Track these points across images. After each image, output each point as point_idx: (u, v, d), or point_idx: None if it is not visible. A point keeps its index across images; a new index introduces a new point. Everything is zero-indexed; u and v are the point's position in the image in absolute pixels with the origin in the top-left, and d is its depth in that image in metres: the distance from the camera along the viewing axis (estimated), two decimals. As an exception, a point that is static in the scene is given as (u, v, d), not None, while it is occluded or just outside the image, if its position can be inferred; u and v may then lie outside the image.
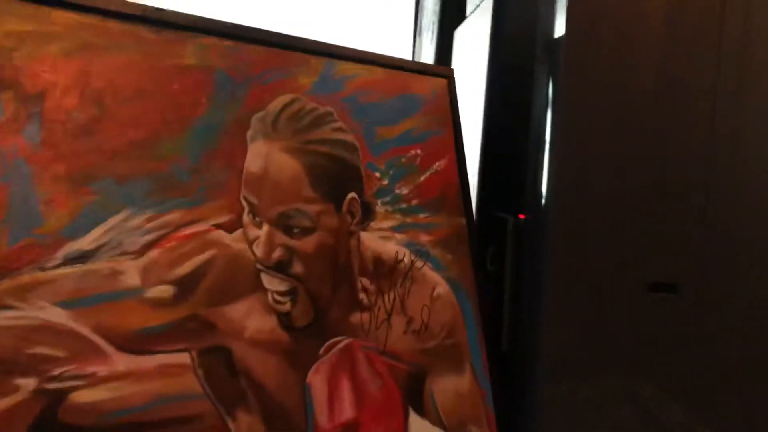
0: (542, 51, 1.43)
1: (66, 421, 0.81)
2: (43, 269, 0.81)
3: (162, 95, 0.95)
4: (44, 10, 0.83)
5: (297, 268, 1.09)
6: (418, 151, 1.37)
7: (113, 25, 0.91)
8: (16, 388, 0.77)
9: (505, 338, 1.54)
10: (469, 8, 2.04)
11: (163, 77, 0.96)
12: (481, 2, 1.64)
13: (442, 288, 1.37)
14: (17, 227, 0.80)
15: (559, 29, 1.34)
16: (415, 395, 1.25)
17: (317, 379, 1.09)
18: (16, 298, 0.79)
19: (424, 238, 1.35)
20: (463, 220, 1.45)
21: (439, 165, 1.42)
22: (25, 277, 0.80)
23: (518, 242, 1.50)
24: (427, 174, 1.39)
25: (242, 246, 1.02)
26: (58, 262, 0.83)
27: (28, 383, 0.78)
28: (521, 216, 1.48)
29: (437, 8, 2.48)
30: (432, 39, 2.49)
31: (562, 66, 1.32)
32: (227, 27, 1.05)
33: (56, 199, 0.83)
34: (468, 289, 1.43)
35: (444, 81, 1.48)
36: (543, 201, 1.38)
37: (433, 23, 2.57)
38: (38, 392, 0.79)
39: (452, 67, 1.50)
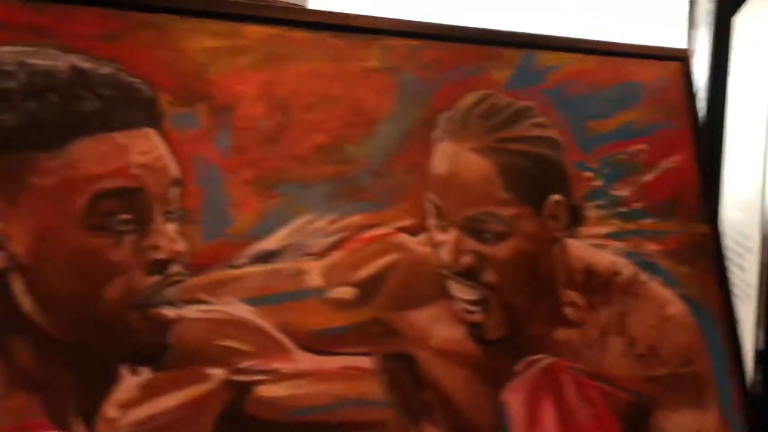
0: None
1: (252, 414, 0.84)
2: (232, 267, 0.87)
3: (346, 100, 0.96)
4: (235, 25, 0.90)
5: (489, 276, 1.01)
6: (643, 147, 1.19)
7: (299, 34, 0.94)
8: (207, 377, 0.83)
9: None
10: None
11: (347, 82, 0.97)
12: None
13: (676, 307, 1.15)
14: (210, 227, 0.86)
15: None
16: (637, 430, 1.06)
17: (515, 399, 0.99)
18: (208, 293, 0.85)
19: (651, 247, 1.16)
20: (705, 228, 1.22)
21: (670, 162, 1.21)
22: (217, 274, 0.86)
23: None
24: (655, 173, 1.19)
25: (427, 250, 0.98)
26: (245, 260, 0.87)
27: (217, 373, 0.83)
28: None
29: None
30: (709, 30, 2.24)
31: None
32: (411, 26, 1.03)
33: (245, 202, 0.88)
34: (713, 310, 1.18)
35: (676, 64, 1.27)
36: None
37: (709, 13, 2.30)
38: (227, 383, 0.83)
39: (687, 48, 1.28)
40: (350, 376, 0.89)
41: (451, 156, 1.02)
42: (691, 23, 2.57)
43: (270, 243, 0.89)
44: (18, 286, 0.77)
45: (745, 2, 1.73)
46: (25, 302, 0.77)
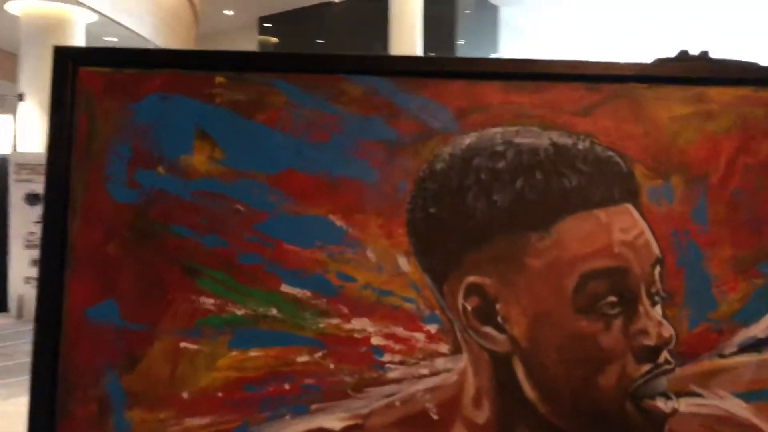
0: None
1: None
2: (721, 356, 0.78)
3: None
4: (702, 90, 0.83)
5: None
6: None
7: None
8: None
9: None
10: None
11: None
12: None
13: None
14: (695, 311, 0.78)
15: None
16: None
17: None
18: (699, 384, 0.77)
19: None
20: None
21: None
22: (706, 364, 0.77)
23: None
24: None
25: None
26: (733, 349, 0.78)
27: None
28: None
29: None
30: None
31: None
32: None
33: (726, 282, 0.79)
34: None
35: None
36: None
37: None
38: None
39: None
40: None
41: None
42: None
43: (758, 329, 0.79)
44: (520, 372, 0.76)
45: None
46: (527, 389, 0.75)
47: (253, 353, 0.72)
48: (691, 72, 0.85)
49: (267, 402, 0.71)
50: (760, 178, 0.82)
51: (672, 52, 0.94)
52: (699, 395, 0.77)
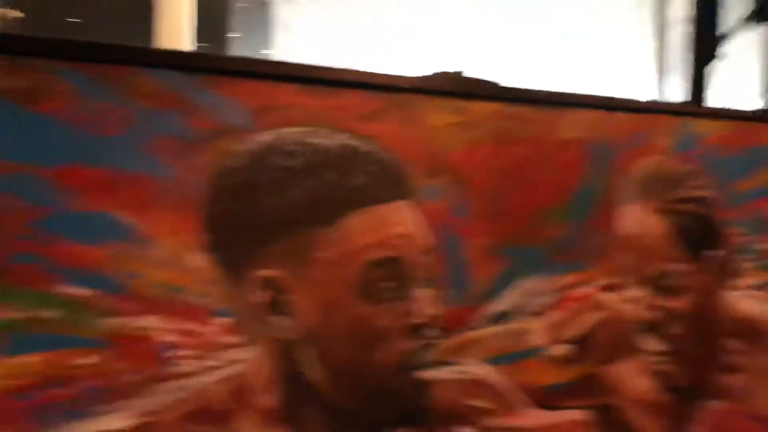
0: None
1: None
2: (473, 329, 0.93)
3: (548, 169, 1.04)
4: (465, 103, 0.97)
5: (674, 328, 1.09)
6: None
7: (516, 109, 1.02)
8: (458, 437, 0.89)
9: None
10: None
11: (548, 152, 1.04)
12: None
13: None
14: (454, 292, 0.92)
15: None
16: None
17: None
18: (456, 354, 0.91)
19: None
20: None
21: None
22: (462, 336, 0.92)
23: None
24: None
25: (623, 307, 1.05)
26: (483, 323, 0.94)
27: (468, 432, 0.89)
28: None
29: (686, 47, 2.62)
30: (685, 78, 2.61)
31: None
32: (598, 100, 1.11)
33: (480, 266, 0.95)
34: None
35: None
36: None
37: (683, 63, 2.75)
38: (476, 441, 0.90)
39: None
40: (569, 429, 0.97)
41: (635, 218, 1.10)
42: (661, 71, 2.94)
43: (500, 305, 0.96)
44: (307, 358, 0.82)
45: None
46: (315, 372, 0.82)
47: (24, 359, 0.67)
48: (457, 87, 0.98)
49: (41, 410, 0.68)
50: (503, 179, 0.99)
51: (431, 69, 1.06)
52: (456, 364, 0.91)
